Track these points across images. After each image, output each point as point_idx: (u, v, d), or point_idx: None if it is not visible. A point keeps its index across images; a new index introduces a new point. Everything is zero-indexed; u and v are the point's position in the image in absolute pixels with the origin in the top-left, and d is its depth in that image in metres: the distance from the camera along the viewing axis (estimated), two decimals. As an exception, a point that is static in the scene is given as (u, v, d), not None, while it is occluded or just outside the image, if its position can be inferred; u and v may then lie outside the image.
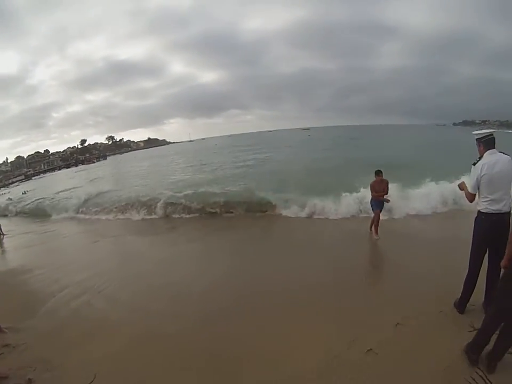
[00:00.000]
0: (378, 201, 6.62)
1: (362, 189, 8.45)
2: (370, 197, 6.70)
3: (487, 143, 3.08)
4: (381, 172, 6.49)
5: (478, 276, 3.27)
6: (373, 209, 6.71)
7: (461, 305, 3.48)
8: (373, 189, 6.58)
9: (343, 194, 8.78)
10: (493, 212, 3.01)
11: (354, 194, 8.71)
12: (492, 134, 3.08)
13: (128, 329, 3.79)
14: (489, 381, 2.49)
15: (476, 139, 3.17)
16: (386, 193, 6.61)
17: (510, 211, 2.99)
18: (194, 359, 3.16)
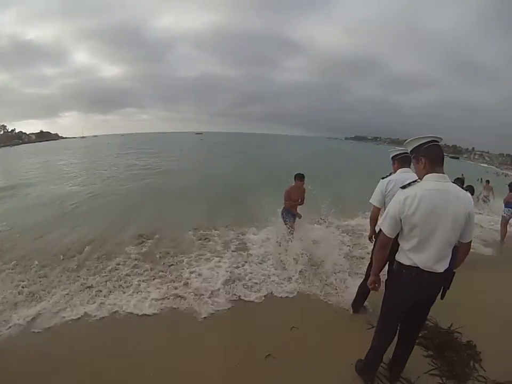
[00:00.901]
0: (292, 212, 5.58)
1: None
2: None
3: (401, 161, 3.14)
4: (303, 176, 5.46)
5: None
6: (285, 221, 5.59)
7: (356, 305, 3.57)
8: (289, 196, 5.48)
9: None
10: None
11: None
12: (407, 153, 2.97)
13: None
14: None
15: (391, 157, 3.24)
16: (302, 203, 5.64)
17: None
18: (73, 379, 2.68)
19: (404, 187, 2.08)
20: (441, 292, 2.19)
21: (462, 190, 2.02)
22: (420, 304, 2.21)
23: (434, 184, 1.99)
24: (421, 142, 2.06)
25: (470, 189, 6.22)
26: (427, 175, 2.03)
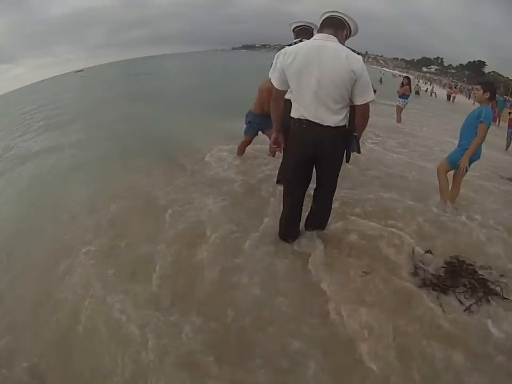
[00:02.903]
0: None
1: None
2: None
3: (300, 32, 2.97)
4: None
5: None
6: (248, 132, 4.32)
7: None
8: (268, 95, 3.48)
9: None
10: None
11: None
12: (305, 25, 3.00)
13: None
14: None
15: (292, 30, 3.12)
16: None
17: None
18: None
19: (289, 45, 2.32)
20: (345, 154, 2.35)
21: (349, 50, 2.04)
22: (317, 159, 2.28)
23: (316, 42, 2.09)
24: (323, 17, 2.18)
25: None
26: (315, 35, 2.19)
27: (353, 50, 2.07)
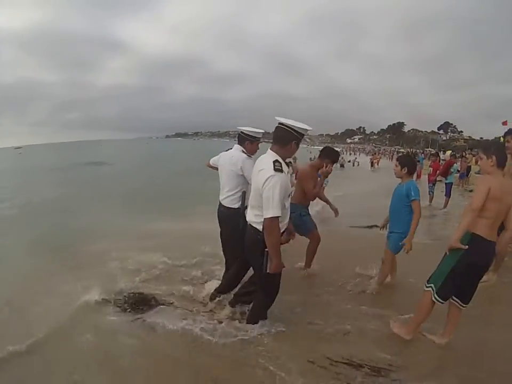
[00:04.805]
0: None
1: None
2: None
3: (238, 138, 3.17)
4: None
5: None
6: (312, 229, 3.66)
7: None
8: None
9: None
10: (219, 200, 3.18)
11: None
12: (243, 133, 3.08)
13: None
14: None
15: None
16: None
17: (231, 206, 3.02)
18: None
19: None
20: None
21: (269, 166, 2.20)
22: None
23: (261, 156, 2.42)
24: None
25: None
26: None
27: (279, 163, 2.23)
